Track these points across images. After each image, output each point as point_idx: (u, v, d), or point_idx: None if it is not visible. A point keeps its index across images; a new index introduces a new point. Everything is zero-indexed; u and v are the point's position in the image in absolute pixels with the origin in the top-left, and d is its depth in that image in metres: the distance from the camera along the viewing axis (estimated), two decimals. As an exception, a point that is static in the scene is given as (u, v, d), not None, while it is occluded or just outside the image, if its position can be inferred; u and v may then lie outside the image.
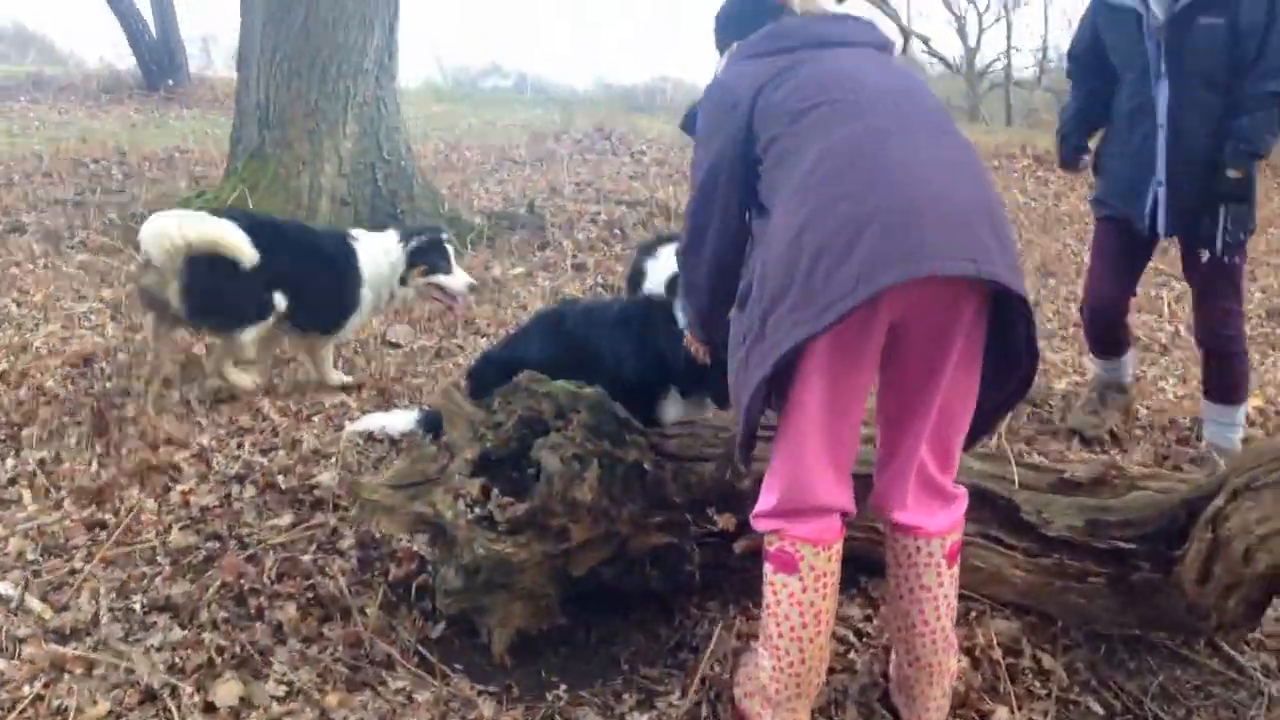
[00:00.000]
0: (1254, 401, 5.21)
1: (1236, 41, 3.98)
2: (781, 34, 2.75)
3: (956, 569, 2.76)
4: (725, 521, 3.17)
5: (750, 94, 2.64)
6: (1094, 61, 4.48)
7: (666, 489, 3.15)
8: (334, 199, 7.59)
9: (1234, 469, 3.01)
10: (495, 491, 2.98)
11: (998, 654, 3.09)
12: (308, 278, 4.75)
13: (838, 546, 2.63)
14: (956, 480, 2.78)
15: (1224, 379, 4.49)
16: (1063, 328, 7.23)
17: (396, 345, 5.88)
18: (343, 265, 4.89)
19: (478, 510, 2.94)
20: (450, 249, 5.23)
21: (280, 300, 4.68)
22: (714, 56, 2.98)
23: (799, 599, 2.61)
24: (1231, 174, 4.01)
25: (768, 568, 2.65)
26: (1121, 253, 4.58)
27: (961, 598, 3.21)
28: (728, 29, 2.94)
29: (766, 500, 2.64)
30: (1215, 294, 4.36)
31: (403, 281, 5.07)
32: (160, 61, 16.21)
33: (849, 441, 2.59)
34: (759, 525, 2.66)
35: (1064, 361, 6.27)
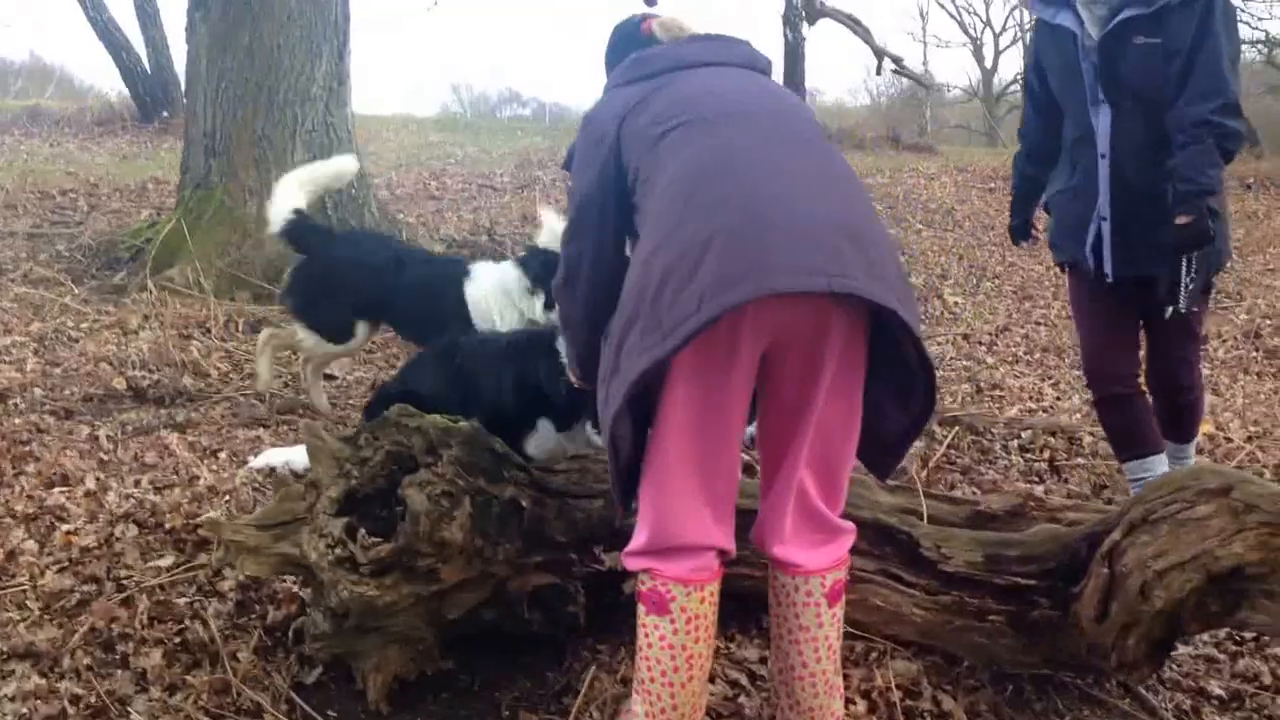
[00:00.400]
0: (1204, 428, 5.10)
1: (1171, 63, 3.62)
2: (645, 60, 2.70)
3: (840, 609, 2.65)
4: (613, 560, 3.06)
5: (615, 124, 2.59)
6: (1046, 99, 4.04)
7: (548, 527, 3.05)
8: (283, 227, 7.51)
9: (1133, 502, 2.91)
10: (362, 532, 2.88)
11: (896, 696, 2.97)
12: (405, 305, 4.83)
13: (713, 587, 2.53)
14: (860, 514, 2.70)
15: (1179, 420, 4.12)
16: (1028, 352, 7.13)
17: (332, 377, 5.79)
18: (444, 296, 4.73)
19: (338, 551, 2.83)
20: None
21: (362, 330, 4.96)
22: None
23: (670, 642, 2.50)
24: (1180, 220, 3.55)
25: (640, 609, 2.55)
26: (1096, 301, 4.02)
27: (861, 638, 3.15)
28: (608, 61, 2.91)
29: (637, 538, 2.53)
30: (1172, 344, 3.98)
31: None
32: (154, 94, 16.30)
33: (725, 475, 2.49)
34: (629, 564, 2.56)
35: (1021, 388, 6.18)
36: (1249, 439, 4.95)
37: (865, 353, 2.47)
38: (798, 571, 2.58)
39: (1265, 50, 26.45)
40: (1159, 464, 3.96)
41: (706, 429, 2.41)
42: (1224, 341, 7.45)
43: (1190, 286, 3.62)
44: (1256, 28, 28.59)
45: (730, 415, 2.43)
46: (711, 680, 3.01)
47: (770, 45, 23.37)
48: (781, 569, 2.60)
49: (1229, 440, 4.99)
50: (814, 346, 2.40)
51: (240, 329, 6.45)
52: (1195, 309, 3.76)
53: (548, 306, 4.33)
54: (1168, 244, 3.62)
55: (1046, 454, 4.77)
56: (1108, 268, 3.86)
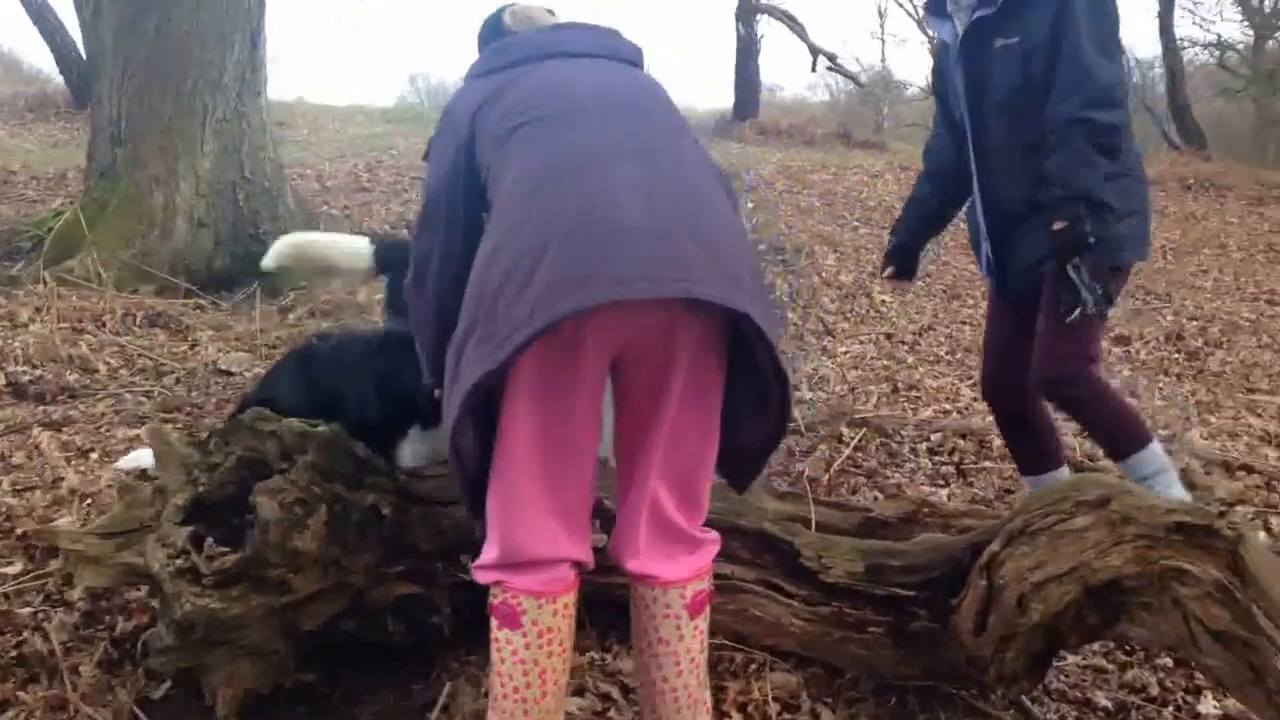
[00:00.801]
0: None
1: (1033, 63, 3.40)
2: (502, 50, 2.60)
3: (703, 621, 2.55)
4: (480, 569, 2.95)
5: (468, 118, 2.48)
6: (947, 115, 3.82)
7: (411, 535, 2.93)
8: (191, 220, 7.33)
9: (1015, 512, 2.84)
10: (209, 541, 2.74)
11: (773, 709, 2.89)
12: None
13: (567, 599, 2.42)
14: (742, 523, 2.60)
15: (1097, 430, 3.76)
16: (950, 352, 7.09)
17: (228, 373, 5.63)
18: None
19: (180, 562, 2.69)
20: None
21: None
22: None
23: (522, 656, 2.39)
24: (1056, 226, 3.32)
25: (492, 622, 2.44)
26: (996, 315, 3.88)
27: (741, 650, 3.06)
28: (478, 50, 2.78)
29: (487, 551, 2.42)
30: (1054, 340, 3.60)
31: None
32: (89, 79, 15.87)
33: (576, 486, 2.39)
34: (479, 578, 2.45)
35: (939, 388, 6.13)
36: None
37: (722, 361, 2.38)
38: (655, 583, 2.47)
39: (1217, 53, 26.79)
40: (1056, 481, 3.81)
41: (552, 440, 2.31)
42: (1146, 343, 7.44)
43: (1087, 290, 3.37)
44: (1208, 30, 28.95)
45: (577, 425, 2.33)
46: (581, 693, 2.92)
47: (726, 40, 23.36)
48: (640, 581, 2.50)
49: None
50: (663, 355, 2.31)
51: (138, 323, 6.26)
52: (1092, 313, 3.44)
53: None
54: (1042, 259, 3.44)
55: (955, 457, 4.70)
56: (998, 284, 3.76)
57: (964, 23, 3.55)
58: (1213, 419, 5.63)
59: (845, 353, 6.89)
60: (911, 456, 4.70)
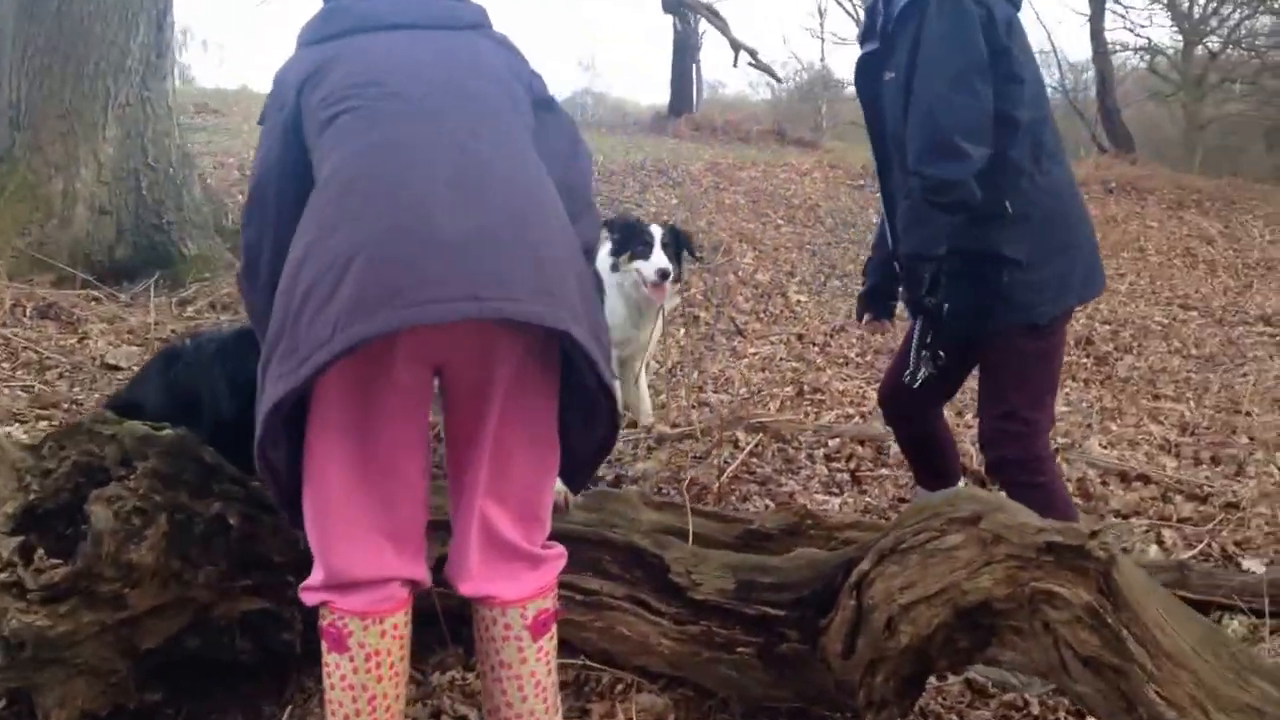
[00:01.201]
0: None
1: (906, 100, 3.08)
2: (330, 16, 2.42)
3: (548, 642, 2.44)
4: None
5: (295, 93, 2.32)
6: None
7: (262, 546, 2.77)
8: (92, 207, 7.06)
9: (889, 527, 2.74)
10: (40, 553, 2.56)
11: (639, 733, 2.76)
12: None
13: (397, 619, 2.30)
14: (612, 535, 2.48)
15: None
16: (861, 354, 7.01)
17: (116, 368, 5.41)
18: None
19: (4, 575, 2.51)
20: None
21: None
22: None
23: (350, 681, 2.27)
24: (904, 280, 3.14)
25: (323, 645, 2.31)
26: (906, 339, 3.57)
27: (607, 670, 2.94)
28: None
29: (315, 572, 2.29)
30: (993, 393, 3.30)
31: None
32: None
33: (403, 502, 2.27)
34: (305, 599, 2.32)
35: (844, 391, 6.03)
36: (1055, 450, 4.82)
37: (553, 374, 2.28)
38: (493, 603, 2.36)
39: (1148, 57, 27.09)
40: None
41: (370, 459, 2.19)
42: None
43: (925, 356, 3.17)
44: (1139, 35, 29.23)
45: (398, 444, 2.22)
46: (438, 715, 2.79)
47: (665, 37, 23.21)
48: (478, 603, 2.38)
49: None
50: (481, 371, 2.20)
51: (27, 314, 6.02)
52: (1036, 344, 3.21)
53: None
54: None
55: (852, 463, 4.60)
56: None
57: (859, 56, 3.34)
58: (1114, 426, 5.59)
59: (755, 353, 6.80)
60: (808, 463, 4.60)
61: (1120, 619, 2.43)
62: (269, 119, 2.38)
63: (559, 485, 3.02)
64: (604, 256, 4.40)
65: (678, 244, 4.43)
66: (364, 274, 2.00)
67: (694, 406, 5.48)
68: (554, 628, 2.45)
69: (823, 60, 37.19)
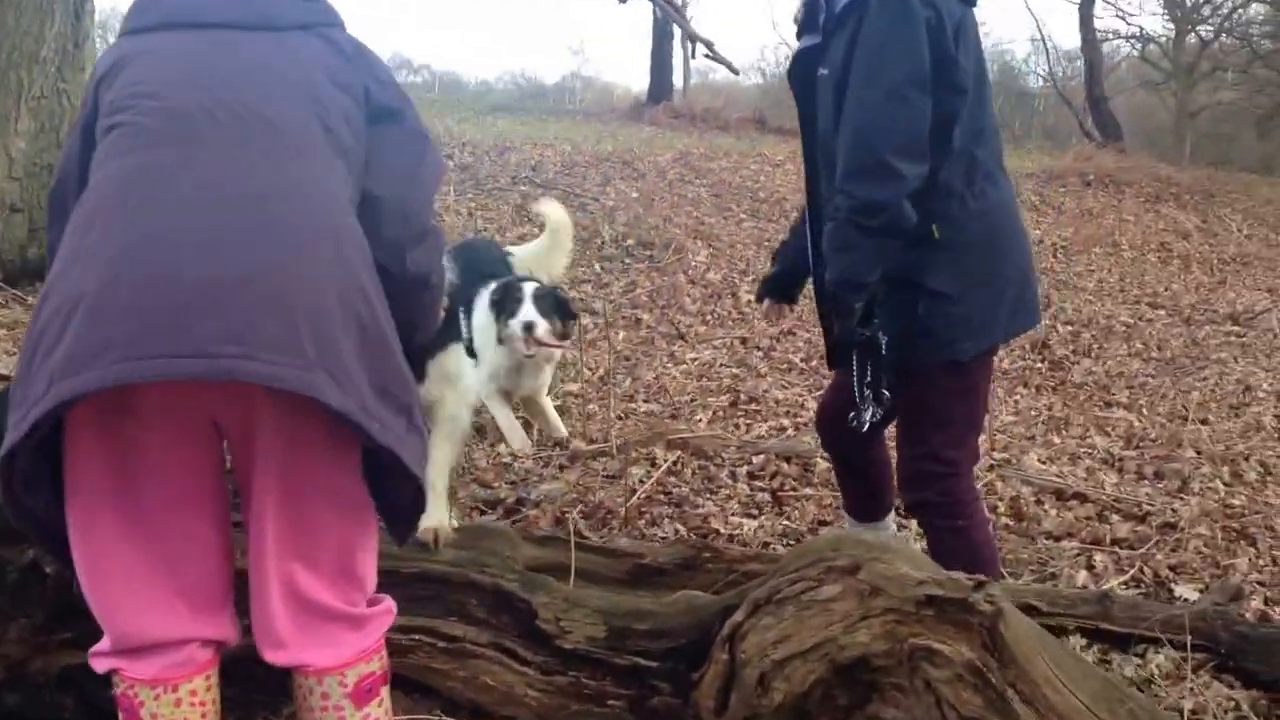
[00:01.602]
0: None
1: (839, 102, 2.82)
2: (142, 8, 2.20)
3: (376, 708, 2.24)
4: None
5: (93, 90, 2.12)
6: None
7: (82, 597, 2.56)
8: (3, 205, 6.81)
9: (769, 574, 2.56)
10: None
11: (502, 791, 2.57)
12: None
13: (194, 685, 2.11)
14: (478, 577, 2.48)
15: (951, 563, 2.67)
16: (806, 359, 6.83)
17: (5, 377, 5.17)
18: None
19: None
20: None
21: None
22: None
23: None
24: (833, 311, 2.89)
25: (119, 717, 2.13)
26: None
27: (472, 722, 2.73)
28: None
29: (105, 637, 2.11)
30: (911, 431, 3.09)
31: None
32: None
33: (190, 561, 2.07)
34: (95, 665, 2.13)
35: (781, 400, 5.85)
36: (991, 467, 4.66)
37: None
38: (308, 672, 2.16)
39: (1139, 45, 27.03)
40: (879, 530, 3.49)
41: (136, 519, 2.00)
42: (1011, 350, 7.20)
43: (866, 394, 2.89)
44: (1130, 23, 29.16)
45: (168, 501, 2.02)
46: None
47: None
48: (296, 670, 2.18)
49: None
50: (255, 425, 2.00)
51: (-75, 319, 5.79)
52: (917, 410, 3.00)
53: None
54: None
55: (776, 482, 4.40)
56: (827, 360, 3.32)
57: (796, 49, 3.09)
58: (1058, 439, 5.42)
59: (694, 359, 6.60)
60: (729, 482, 4.39)
61: (1005, 677, 2.28)
62: (80, 116, 2.18)
63: (433, 521, 2.85)
64: (484, 311, 4.47)
65: (556, 303, 4.55)
66: (84, 322, 1.80)
67: (621, 417, 5.28)
68: (383, 691, 2.26)
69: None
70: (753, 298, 7.92)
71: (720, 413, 5.57)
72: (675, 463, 4.45)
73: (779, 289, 3.48)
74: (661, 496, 4.18)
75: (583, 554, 3.09)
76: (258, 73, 2.10)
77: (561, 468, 4.40)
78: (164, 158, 1.95)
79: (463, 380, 3.01)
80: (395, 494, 2.14)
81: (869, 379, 2.89)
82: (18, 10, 6.79)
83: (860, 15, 2.74)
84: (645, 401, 5.69)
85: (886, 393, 2.90)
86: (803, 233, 3.24)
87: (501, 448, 4.58)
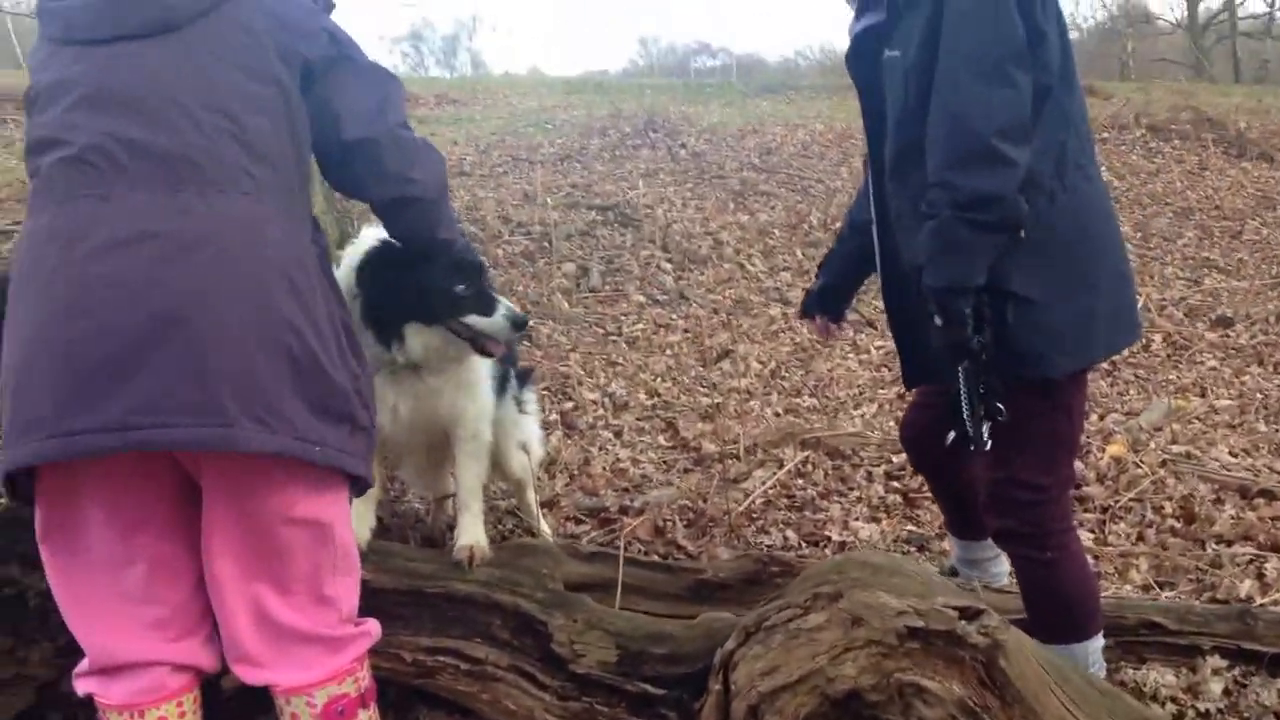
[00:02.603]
0: (1114, 449, 4.42)
1: (909, 88, 2.56)
2: (46, 15, 2.17)
3: None
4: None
5: (27, 111, 2.18)
6: None
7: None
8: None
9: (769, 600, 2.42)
10: None
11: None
12: None
13: (164, 712, 2.20)
14: (501, 598, 2.61)
15: (1037, 599, 2.79)
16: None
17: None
18: None
19: None
20: None
21: None
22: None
23: None
24: (937, 320, 2.53)
25: None
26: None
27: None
28: None
29: (85, 660, 2.22)
30: (995, 453, 2.65)
31: None
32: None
33: (163, 581, 2.17)
34: (77, 688, 2.24)
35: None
36: (1163, 462, 4.26)
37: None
38: (277, 691, 2.24)
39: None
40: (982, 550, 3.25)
41: (110, 542, 2.11)
42: (1252, 323, 6.57)
43: (979, 410, 2.57)
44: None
45: (137, 523, 2.12)
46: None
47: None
48: (274, 692, 2.26)
49: (1139, 465, 4.28)
50: (198, 461, 2.10)
51: None
52: (1003, 431, 2.60)
53: None
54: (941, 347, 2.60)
55: (915, 482, 4.15)
56: (903, 375, 3.02)
57: (853, 27, 2.77)
58: (1264, 426, 4.89)
59: (880, 347, 6.32)
60: (863, 482, 4.19)
61: (1007, 717, 2.06)
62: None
63: (472, 539, 2.85)
64: None
65: None
66: (11, 403, 1.95)
67: (778, 414, 5.13)
68: (360, 714, 2.29)
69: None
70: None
71: (885, 406, 5.32)
72: (805, 463, 4.28)
73: (826, 304, 3.26)
74: (783, 500, 4.02)
75: (639, 570, 3.03)
76: (163, 101, 2.06)
77: (685, 471, 4.31)
78: (74, 219, 1.98)
79: (481, 393, 2.97)
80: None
81: (981, 392, 2.58)
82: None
83: None
84: (810, 396, 5.50)
85: (1000, 405, 2.58)
86: (848, 238, 3.07)
87: (622, 453, 4.52)
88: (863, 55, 2.74)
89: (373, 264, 2.69)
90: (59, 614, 2.57)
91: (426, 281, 2.67)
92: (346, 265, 2.75)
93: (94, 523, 2.08)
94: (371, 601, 2.51)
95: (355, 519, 2.55)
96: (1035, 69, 2.44)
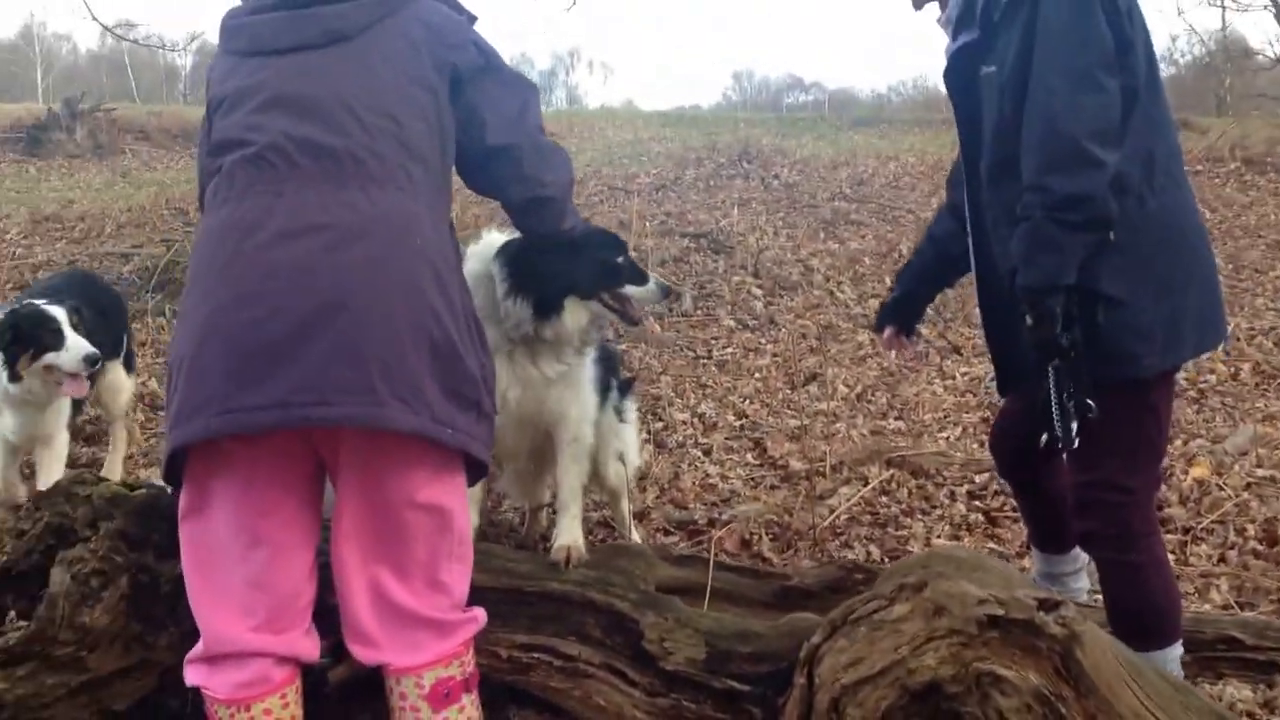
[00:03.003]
0: (1197, 471, 4.46)
1: (1004, 102, 2.70)
2: (230, 31, 2.46)
3: (456, 713, 2.43)
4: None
5: (208, 119, 2.45)
6: None
7: (231, 608, 2.85)
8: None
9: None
10: (12, 615, 2.75)
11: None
12: None
13: (268, 705, 2.36)
14: (594, 596, 2.77)
15: (1120, 603, 2.86)
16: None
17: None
18: None
19: (-33, 637, 2.71)
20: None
21: None
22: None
23: None
24: (1028, 319, 2.63)
25: None
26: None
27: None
28: None
29: (200, 644, 2.40)
30: (1083, 454, 2.74)
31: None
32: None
33: (279, 571, 2.35)
34: (187, 677, 2.43)
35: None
36: (1248, 485, 4.29)
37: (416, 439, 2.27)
38: (388, 671, 2.41)
39: None
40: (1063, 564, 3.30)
41: (241, 529, 2.30)
42: (1237, 350, 6.53)
43: (1069, 408, 2.65)
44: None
45: (276, 522, 2.32)
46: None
47: None
48: (384, 671, 2.42)
49: (1222, 488, 4.32)
50: (336, 446, 2.29)
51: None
52: (1090, 432, 2.67)
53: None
54: (1031, 348, 2.70)
55: (997, 501, 4.24)
56: (997, 383, 3.12)
57: (949, 47, 2.93)
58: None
59: (965, 373, 6.40)
60: (946, 501, 4.28)
61: (1082, 708, 2.16)
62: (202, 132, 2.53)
63: (570, 539, 3.01)
64: None
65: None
66: (186, 383, 2.16)
67: (864, 435, 5.23)
68: (465, 699, 2.43)
69: (1224, 28, 33.68)
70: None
71: (970, 429, 5.39)
72: (890, 481, 4.38)
73: (898, 315, 3.37)
74: (867, 517, 4.13)
75: (726, 574, 3.14)
76: (336, 104, 2.30)
77: (772, 487, 4.43)
78: (249, 212, 2.23)
79: (585, 394, 3.12)
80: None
81: (1071, 390, 2.67)
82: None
83: (1033, 4, 2.63)
84: (896, 419, 5.59)
85: (1091, 403, 2.66)
86: (926, 250, 3.21)
87: (710, 469, 4.66)
88: (959, 73, 2.89)
89: (525, 247, 2.88)
90: (186, 601, 2.78)
91: (589, 255, 2.89)
92: (479, 256, 2.97)
93: (231, 504, 2.27)
94: (471, 598, 2.63)
95: None
96: (1123, 75, 2.58)
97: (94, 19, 13.01)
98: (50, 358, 3.95)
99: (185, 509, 2.32)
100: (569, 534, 3.06)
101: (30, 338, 3.96)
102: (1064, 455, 2.76)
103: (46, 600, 2.70)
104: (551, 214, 2.63)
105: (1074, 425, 2.65)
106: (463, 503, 2.43)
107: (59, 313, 4.02)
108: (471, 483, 2.48)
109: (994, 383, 3.17)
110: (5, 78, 44.79)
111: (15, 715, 2.74)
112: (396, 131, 2.32)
